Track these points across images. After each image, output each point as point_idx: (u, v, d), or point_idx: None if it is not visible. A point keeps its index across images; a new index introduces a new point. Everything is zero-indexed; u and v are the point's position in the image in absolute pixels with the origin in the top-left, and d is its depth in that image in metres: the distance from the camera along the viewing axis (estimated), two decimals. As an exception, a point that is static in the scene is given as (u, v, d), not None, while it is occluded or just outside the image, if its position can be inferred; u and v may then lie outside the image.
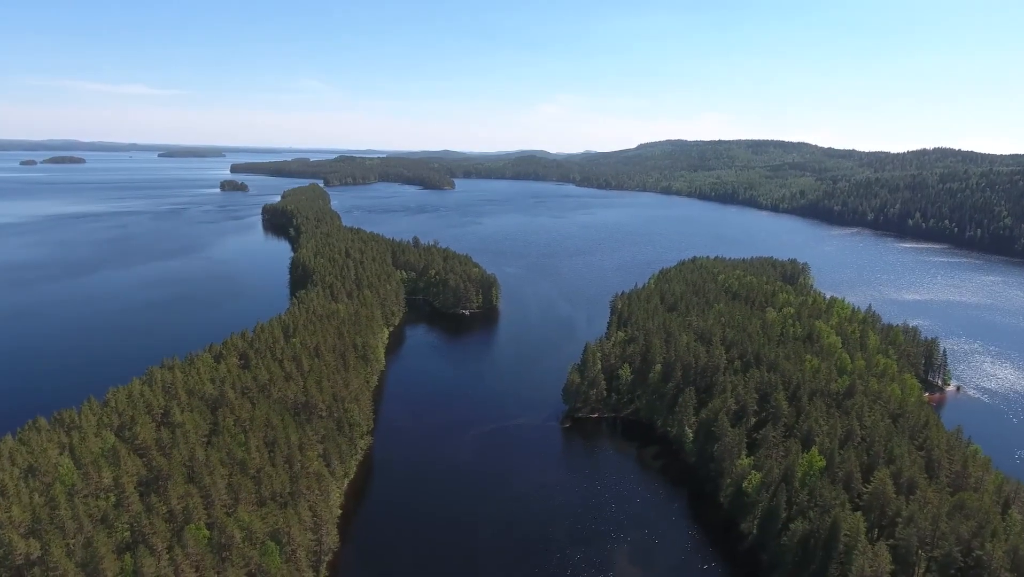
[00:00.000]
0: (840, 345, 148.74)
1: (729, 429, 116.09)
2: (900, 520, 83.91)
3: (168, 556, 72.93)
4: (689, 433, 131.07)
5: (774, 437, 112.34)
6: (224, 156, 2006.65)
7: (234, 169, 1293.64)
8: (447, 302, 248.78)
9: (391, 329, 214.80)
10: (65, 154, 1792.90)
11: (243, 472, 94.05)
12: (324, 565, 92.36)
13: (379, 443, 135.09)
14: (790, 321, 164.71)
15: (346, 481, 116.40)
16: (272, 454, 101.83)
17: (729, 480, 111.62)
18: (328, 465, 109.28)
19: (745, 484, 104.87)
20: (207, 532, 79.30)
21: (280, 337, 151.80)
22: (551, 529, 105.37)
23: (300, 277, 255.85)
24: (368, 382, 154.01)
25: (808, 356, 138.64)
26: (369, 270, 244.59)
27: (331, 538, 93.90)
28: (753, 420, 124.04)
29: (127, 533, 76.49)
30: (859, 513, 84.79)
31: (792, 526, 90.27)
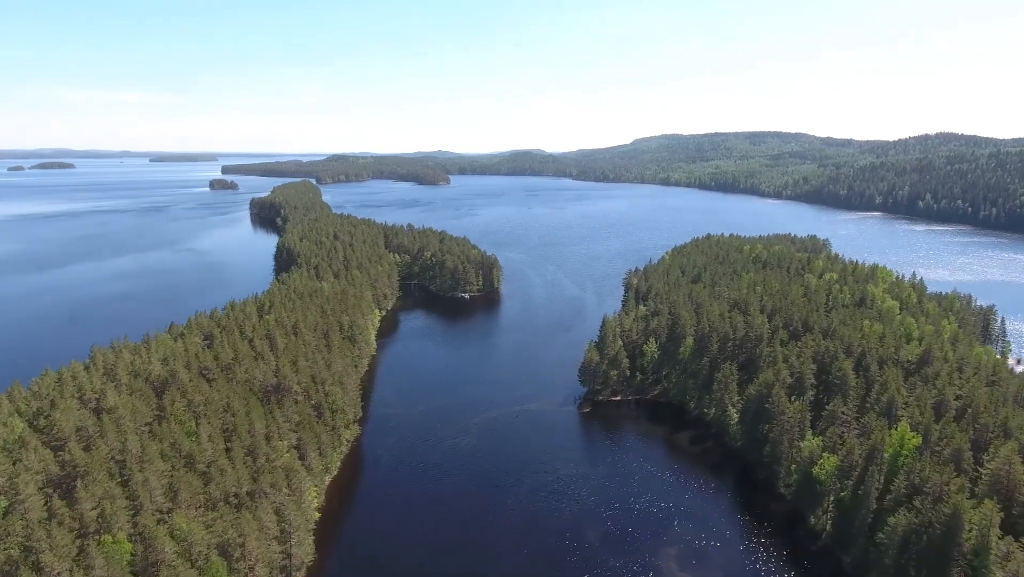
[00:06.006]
0: (899, 310, 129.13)
1: (787, 405, 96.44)
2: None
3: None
4: (733, 413, 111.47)
5: (845, 412, 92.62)
6: (217, 160, 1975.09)
7: (225, 170, 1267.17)
8: (445, 285, 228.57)
9: (383, 313, 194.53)
10: (55, 160, 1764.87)
11: (189, 467, 73.88)
12: (294, 583, 72.22)
13: (368, 434, 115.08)
14: (836, 287, 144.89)
15: (327, 478, 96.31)
16: (230, 445, 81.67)
17: (792, 465, 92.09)
18: (303, 459, 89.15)
19: (816, 469, 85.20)
20: (128, 545, 59.06)
21: (253, 314, 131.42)
22: (579, 529, 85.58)
23: (285, 262, 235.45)
24: (356, 366, 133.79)
25: (866, 321, 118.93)
26: (359, 252, 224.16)
27: (304, 549, 73.83)
28: (811, 394, 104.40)
29: (14, 549, 56.11)
30: (989, 501, 65.05)
31: (891, 520, 70.59)
